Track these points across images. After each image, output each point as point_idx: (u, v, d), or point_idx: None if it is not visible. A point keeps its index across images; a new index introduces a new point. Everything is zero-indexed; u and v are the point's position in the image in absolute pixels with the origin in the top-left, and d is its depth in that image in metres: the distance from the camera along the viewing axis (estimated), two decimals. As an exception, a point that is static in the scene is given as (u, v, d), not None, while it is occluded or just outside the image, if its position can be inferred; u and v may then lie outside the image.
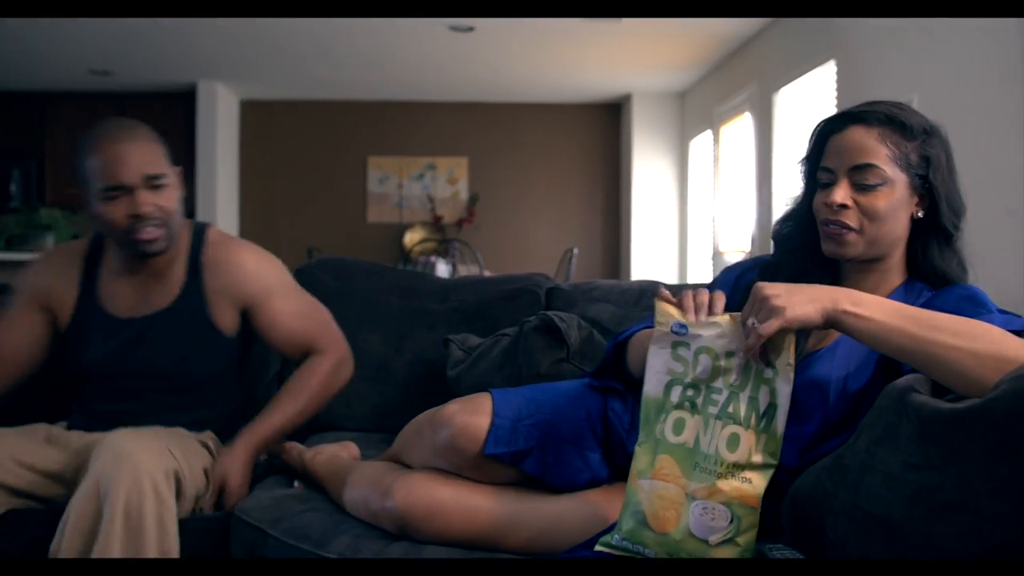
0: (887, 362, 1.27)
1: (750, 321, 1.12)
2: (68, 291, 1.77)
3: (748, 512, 1.10)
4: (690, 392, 1.17)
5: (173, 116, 7.41)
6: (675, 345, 1.18)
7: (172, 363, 1.76)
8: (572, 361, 1.68)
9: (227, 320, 1.80)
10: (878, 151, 1.28)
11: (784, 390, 1.13)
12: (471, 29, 5.67)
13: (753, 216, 5.53)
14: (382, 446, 1.83)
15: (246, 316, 1.83)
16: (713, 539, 1.09)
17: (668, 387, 1.18)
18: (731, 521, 1.09)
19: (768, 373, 1.14)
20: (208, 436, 1.77)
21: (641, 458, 1.17)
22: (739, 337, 1.16)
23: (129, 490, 1.38)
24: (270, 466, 1.81)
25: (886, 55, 3.75)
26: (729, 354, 1.16)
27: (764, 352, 1.13)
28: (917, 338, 1.07)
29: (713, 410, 1.15)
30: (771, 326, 1.09)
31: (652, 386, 1.19)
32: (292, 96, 7.75)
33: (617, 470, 1.40)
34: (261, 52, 6.33)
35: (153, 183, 1.67)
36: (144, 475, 1.40)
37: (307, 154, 7.87)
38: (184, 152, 7.40)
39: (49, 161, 7.38)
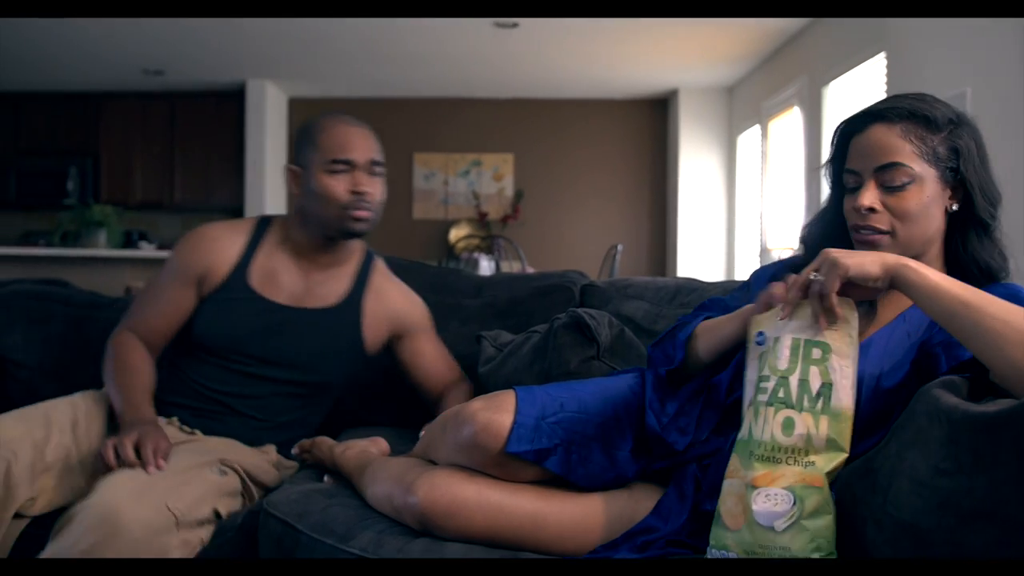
0: (923, 362, 1.23)
1: (813, 275, 1.14)
2: (222, 264, 1.78)
3: (813, 492, 1.06)
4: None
5: (223, 114, 7.56)
6: (761, 356, 1.18)
7: (311, 359, 1.79)
8: (603, 359, 1.66)
9: (375, 340, 1.88)
10: (902, 148, 1.25)
11: (840, 367, 1.11)
12: (515, 25, 5.66)
13: (802, 212, 5.43)
14: (414, 442, 1.83)
15: (390, 344, 1.93)
16: (778, 524, 1.06)
17: None
18: (794, 504, 1.06)
19: (816, 354, 1.12)
20: (267, 448, 1.78)
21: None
22: (786, 322, 1.16)
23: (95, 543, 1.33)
24: (302, 461, 1.82)
25: (937, 47, 3.64)
26: (777, 340, 1.16)
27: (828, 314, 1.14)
28: (970, 306, 1.07)
29: (763, 397, 1.14)
30: (833, 283, 1.12)
31: (746, 398, 1.20)
32: (339, 94, 7.83)
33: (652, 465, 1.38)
34: (309, 51, 6.41)
35: (374, 168, 1.79)
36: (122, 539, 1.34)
37: (354, 151, 7.93)
38: (234, 149, 7.54)
39: (104, 159, 7.58)
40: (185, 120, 7.63)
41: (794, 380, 1.12)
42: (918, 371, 1.23)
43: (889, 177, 1.25)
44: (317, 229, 1.79)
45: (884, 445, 1.11)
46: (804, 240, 1.47)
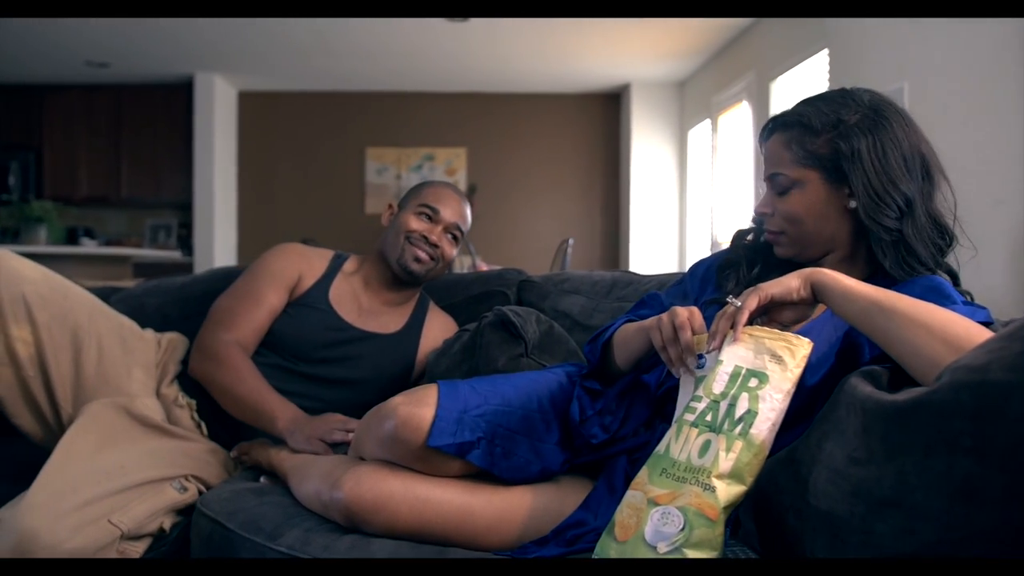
0: (847, 351, 1.25)
1: (730, 299, 1.15)
2: (311, 276, 1.95)
3: (703, 524, 1.01)
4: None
5: (171, 107, 7.42)
6: (698, 379, 1.17)
7: (363, 375, 1.89)
8: (531, 356, 1.65)
9: (420, 369, 1.98)
10: (782, 157, 1.33)
11: (771, 398, 1.08)
12: (467, 19, 5.64)
13: (751, 204, 5.49)
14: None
15: None
16: (661, 547, 1.02)
17: None
18: (682, 528, 1.02)
19: (753, 382, 1.10)
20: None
21: None
22: (730, 348, 1.14)
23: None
24: (241, 462, 1.81)
25: (876, 43, 3.71)
26: (719, 364, 1.13)
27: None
28: (882, 307, 1.08)
29: (690, 417, 1.11)
30: (750, 301, 1.13)
31: (675, 415, 1.18)
32: (290, 87, 7.74)
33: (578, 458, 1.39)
34: (258, 44, 6.32)
35: (454, 231, 1.96)
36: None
37: (305, 145, 7.86)
38: (182, 143, 7.42)
39: (47, 153, 7.39)
40: (131, 113, 7.46)
41: (724, 404, 1.10)
42: (842, 361, 1.24)
43: (775, 184, 1.34)
44: (386, 262, 1.96)
45: (807, 435, 1.12)
46: (736, 240, 1.51)
